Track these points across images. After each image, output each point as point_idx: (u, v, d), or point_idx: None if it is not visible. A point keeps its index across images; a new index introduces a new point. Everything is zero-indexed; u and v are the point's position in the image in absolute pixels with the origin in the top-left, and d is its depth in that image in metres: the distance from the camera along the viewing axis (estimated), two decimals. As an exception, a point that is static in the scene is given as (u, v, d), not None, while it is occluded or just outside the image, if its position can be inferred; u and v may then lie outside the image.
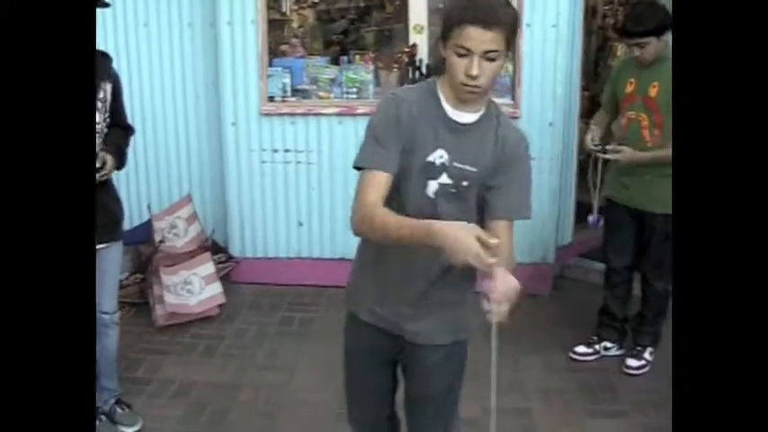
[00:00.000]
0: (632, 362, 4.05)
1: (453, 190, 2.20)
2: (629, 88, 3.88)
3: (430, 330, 2.32)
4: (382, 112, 2.19)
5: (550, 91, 4.73)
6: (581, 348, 4.20)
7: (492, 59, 2.06)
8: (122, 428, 3.46)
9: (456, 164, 2.18)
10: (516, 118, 4.69)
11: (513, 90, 4.78)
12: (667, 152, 3.50)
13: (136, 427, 3.48)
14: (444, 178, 2.20)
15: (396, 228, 2.03)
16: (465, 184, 2.19)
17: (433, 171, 2.20)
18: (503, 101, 4.74)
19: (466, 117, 2.19)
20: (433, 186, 2.21)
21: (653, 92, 3.77)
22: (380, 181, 2.11)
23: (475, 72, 2.05)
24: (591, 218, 4.33)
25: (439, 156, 2.19)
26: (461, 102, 2.17)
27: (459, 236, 1.87)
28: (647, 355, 4.07)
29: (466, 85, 2.09)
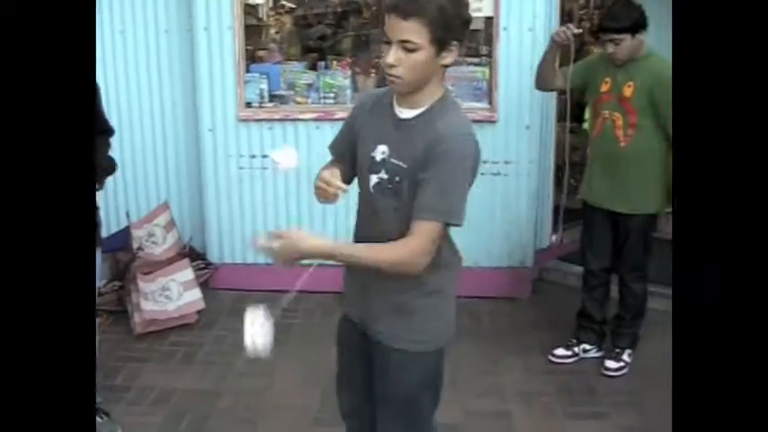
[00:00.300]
0: (611, 363, 4.07)
1: (389, 186, 2.20)
2: (605, 87, 3.89)
3: (388, 332, 2.31)
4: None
5: (527, 94, 4.75)
6: (560, 351, 4.21)
7: (411, 50, 2.05)
8: None
9: (393, 159, 2.19)
10: (493, 122, 4.72)
11: (489, 94, 4.80)
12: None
13: None
14: (383, 173, 2.21)
15: None
16: (397, 179, 2.18)
17: (374, 166, 2.23)
18: (480, 105, 4.78)
19: (407, 113, 2.20)
20: (373, 181, 2.24)
21: (628, 92, 3.78)
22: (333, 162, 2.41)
23: (389, 60, 2.07)
24: (554, 237, 4.34)
25: (381, 151, 2.22)
26: (403, 97, 2.19)
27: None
28: (625, 356, 4.09)
29: (388, 74, 2.11)
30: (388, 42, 2.08)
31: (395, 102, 2.23)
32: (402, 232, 2.14)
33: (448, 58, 2.12)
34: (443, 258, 2.26)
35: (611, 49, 3.78)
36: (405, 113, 2.20)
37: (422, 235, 2.10)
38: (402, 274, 2.16)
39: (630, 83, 3.77)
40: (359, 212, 2.40)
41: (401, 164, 2.17)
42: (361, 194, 2.33)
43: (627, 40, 3.72)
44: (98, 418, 3.47)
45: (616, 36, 3.73)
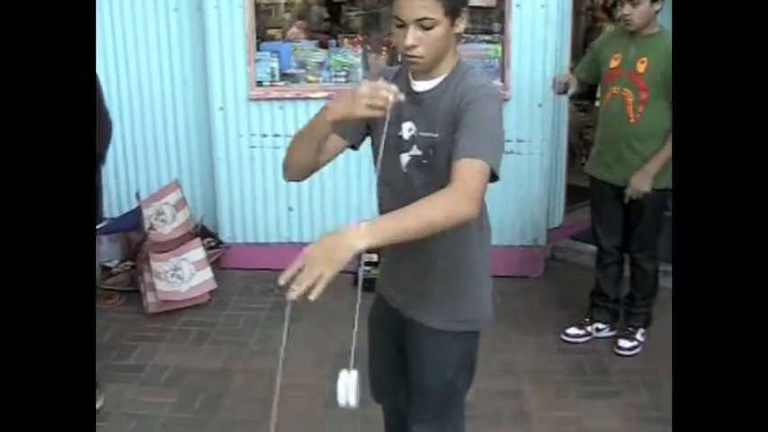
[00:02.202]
0: (624, 343, 4.06)
1: (425, 161, 2.16)
2: (614, 63, 3.83)
3: (426, 311, 2.28)
4: None
5: (540, 72, 4.72)
6: (572, 330, 4.20)
7: (428, 28, 2.01)
8: None
9: (422, 133, 2.15)
10: (506, 100, 4.68)
11: (502, 71, 4.76)
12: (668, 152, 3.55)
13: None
14: (414, 150, 2.17)
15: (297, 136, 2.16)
16: (431, 152, 2.14)
17: (403, 145, 2.19)
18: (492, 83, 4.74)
19: (424, 85, 2.16)
20: (405, 159, 2.20)
21: (641, 68, 3.71)
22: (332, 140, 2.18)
23: (409, 42, 2.02)
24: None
25: (407, 129, 2.17)
26: (419, 72, 2.15)
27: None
28: (638, 336, 4.07)
29: (408, 56, 2.07)
30: (401, 26, 2.04)
31: (410, 77, 2.18)
32: None
33: (461, 25, 2.10)
34: (485, 238, 2.27)
35: (627, 10, 3.68)
36: (422, 86, 2.16)
37: (470, 174, 1.89)
38: (463, 220, 1.89)
39: (644, 58, 3.69)
40: (382, 198, 2.31)
41: (431, 134, 2.12)
42: (384, 179, 2.24)
43: (644, 4, 3.63)
44: None
45: None
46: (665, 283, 4.12)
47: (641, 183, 3.74)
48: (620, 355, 4.02)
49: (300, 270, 1.75)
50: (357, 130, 2.26)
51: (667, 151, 3.60)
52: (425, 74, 2.14)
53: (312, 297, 1.73)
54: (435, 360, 2.30)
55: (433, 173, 2.14)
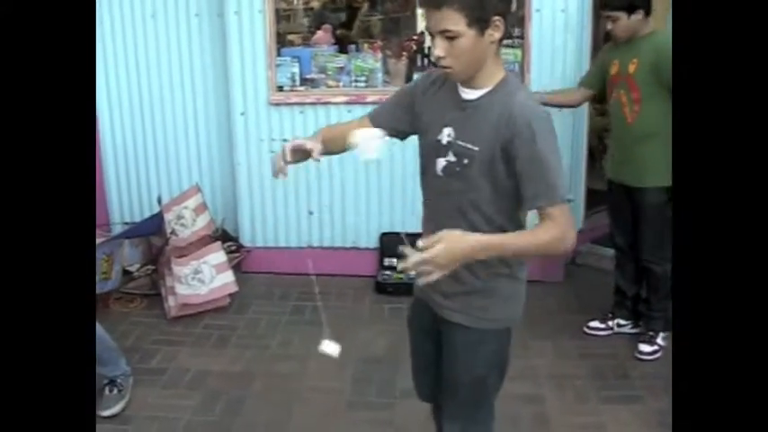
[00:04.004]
0: (644, 347, 4.05)
1: (458, 168, 2.18)
2: (614, 70, 3.97)
3: (458, 309, 2.31)
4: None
5: (559, 76, 4.71)
6: (594, 323, 4.28)
7: (452, 38, 2.03)
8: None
9: (459, 141, 2.17)
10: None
11: (522, 76, 4.76)
12: None
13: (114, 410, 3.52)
14: (450, 156, 2.19)
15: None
16: (465, 162, 2.16)
17: (440, 149, 2.21)
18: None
19: (471, 94, 2.17)
20: (440, 164, 2.22)
21: (632, 68, 3.85)
22: (364, 123, 2.37)
23: (436, 53, 2.07)
24: None
25: (447, 134, 2.20)
26: (466, 79, 2.17)
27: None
28: (659, 340, 4.06)
29: (440, 66, 2.12)
30: (433, 35, 2.08)
31: (458, 84, 2.20)
32: (466, 215, 2.17)
33: (495, 34, 2.07)
34: (522, 222, 2.27)
35: (609, 26, 3.89)
36: (468, 94, 2.18)
37: (560, 218, 2.09)
38: (558, 252, 2.16)
39: (635, 59, 3.83)
40: (425, 201, 2.37)
41: (470, 146, 2.14)
42: (425, 180, 2.32)
43: (623, 19, 3.79)
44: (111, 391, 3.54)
45: (611, 13, 3.83)
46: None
47: None
48: (640, 359, 4.02)
49: (424, 262, 1.95)
50: (396, 126, 2.35)
51: None
52: (468, 82, 2.16)
53: (428, 280, 1.98)
54: (467, 356, 2.33)
55: (468, 182, 2.17)
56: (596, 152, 6.04)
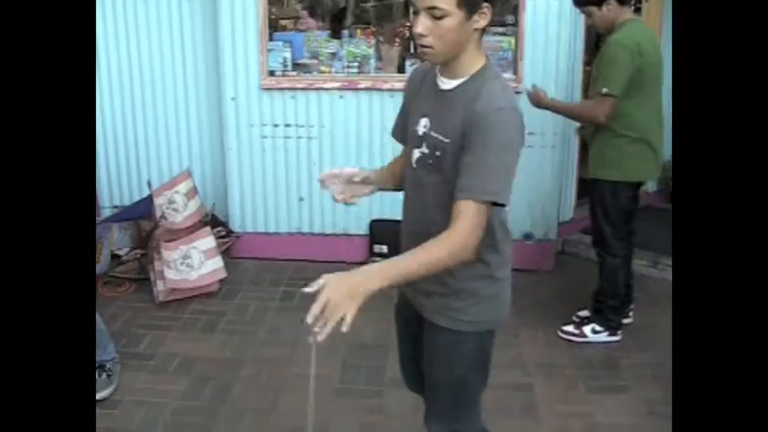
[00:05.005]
0: (569, 327, 4.14)
1: (430, 161, 2.12)
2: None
3: (438, 310, 2.26)
4: None
5: (553, 65, 4.70)
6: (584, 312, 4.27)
7: (439, 17, 1.96)
8: None
9: (433, 133, 2.11)
10: (518, 92, 4.66)
11: (515, 64, 4.75)
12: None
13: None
14: (424, 148, 2.14)
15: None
16: (438, 154, 2.10)
17: (416, 140, 2.17)
18: (505, 75, 4.72)
19: (447, 83, 2.11)
20: (415, 155, 2.18)
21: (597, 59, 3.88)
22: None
23: (418, 29, 1.99)
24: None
25: (423, 125, 2.15)
26: (445, 67, 2.11)
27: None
28: (587, 330, 4.10)
29: (419, 44, 2.04)
30: (417, 12, 2.01)
31: (438, 73, 2.15)
32: (447, 208, 2.02)
33: (481, 21, 2.02)
34: (497, 240, 2.18)
35: (590, 22, 3.96)
36: (445, 84, 2.12)
37: (466, 216, 1.95)
38: (463, 261, 1.99)
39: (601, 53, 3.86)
40: (405, 190, 2.32)
41: (441, 137, 2.08)
42: (405, 171, 2.28)
43: (596, 13, 3.80)
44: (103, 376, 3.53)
45: (582, 8, 3.90)
46: (667, 275, 4.12)
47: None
48: (560, 337, 4.12)
49: (323, 311, 1.84)
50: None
51: (574, 106, 3.97)
52: (448, 69, 2.10)
53: (344, 329, 1.86)
54: (446, 356, 2.28)
55: (441, 174, 2.10)
56: (589, 142, 6.03)
